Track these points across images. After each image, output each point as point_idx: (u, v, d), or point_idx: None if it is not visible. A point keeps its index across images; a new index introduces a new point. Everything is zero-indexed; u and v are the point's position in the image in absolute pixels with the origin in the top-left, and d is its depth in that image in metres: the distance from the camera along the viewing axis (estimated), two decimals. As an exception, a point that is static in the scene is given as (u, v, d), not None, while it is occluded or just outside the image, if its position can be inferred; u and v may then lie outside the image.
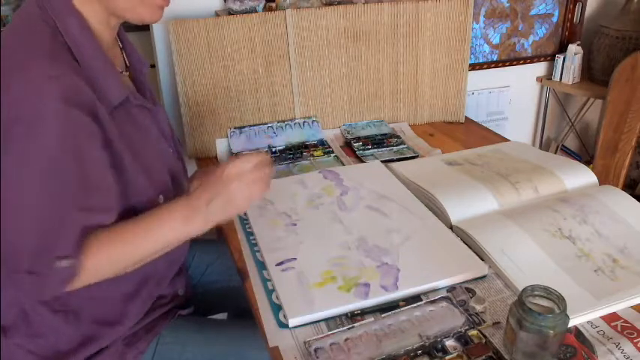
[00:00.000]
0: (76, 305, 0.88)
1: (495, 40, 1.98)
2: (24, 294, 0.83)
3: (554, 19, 2.03)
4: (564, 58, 2.02)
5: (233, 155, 1.41)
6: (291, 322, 0.83)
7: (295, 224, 1.08)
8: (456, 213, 1.07)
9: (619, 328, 0.82)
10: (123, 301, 0.92)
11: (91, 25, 0.83)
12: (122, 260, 0.81)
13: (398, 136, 1.51)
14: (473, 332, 0.81)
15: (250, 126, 1.49)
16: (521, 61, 2.06)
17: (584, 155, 2.27)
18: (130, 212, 0.85)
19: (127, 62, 0.97)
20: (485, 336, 0.80)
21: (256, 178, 0.86)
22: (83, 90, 0.76)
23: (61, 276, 0.76)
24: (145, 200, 0.87)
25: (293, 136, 1.49)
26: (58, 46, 0.78)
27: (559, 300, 0.73)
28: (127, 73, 0.96)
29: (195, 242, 0.98)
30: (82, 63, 0.80)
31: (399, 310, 0.86)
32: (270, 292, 0.91)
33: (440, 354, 0.77)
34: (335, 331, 0.82)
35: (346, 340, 0.80)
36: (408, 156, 1.40)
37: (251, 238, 1.06)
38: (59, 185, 0.75)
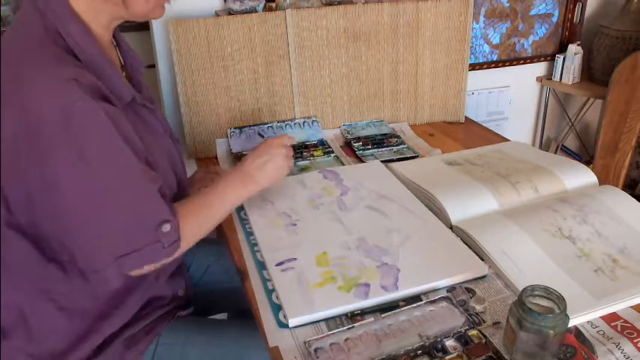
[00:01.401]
0: (79, 304, 0.88)
1: (495, 40, 1.98)
2: (112, 286, 0.83)
3: (554, 19, 2.04)
4: (564, 58, 2.02)
5: (233, 154, 1.41)
6: (291, 322, 0.83)
7: (295, 224, 1.08)
8: (456, 213, 1.07)
9: (619, 328, 0.82)
10: (119, 293, 0.91)
11: (91, 29, 0.84)
12: (206, 223, 0.92)
13: (398, 136, 1.51)
14: (473, 332, 0.81)
15: (250, 126, 1.49)
16: (521, 61, 2.06)
17: (584, 155, 2.28)
18: None
19: (122, 61, 0.98)
20: (485, 336, 0.80)
21: (291, 153, 1.05)
22: (99, 86, 0.79)
23: (167, 239, 0.82)
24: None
25: (293, 136, 1.49)
26: (62, 52, 0.79)
27: (559, 300, 0.73)
28: (124, 73, 0.96)
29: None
30: (88, 66, 0.80)
31: (399, 310, 0.86)
32: (270, 292, 0.91)
33: (440, 354, 0.77)
34: (335, 331, 0.82)
35: (346, 340, 0.80)
36: (408, 156, 1.40)
37: (251, 238, 1.06)
38: (127, 169, 0.79)
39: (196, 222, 0.90)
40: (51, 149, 0.73)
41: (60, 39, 0.80)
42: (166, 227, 0.82)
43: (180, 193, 1.00)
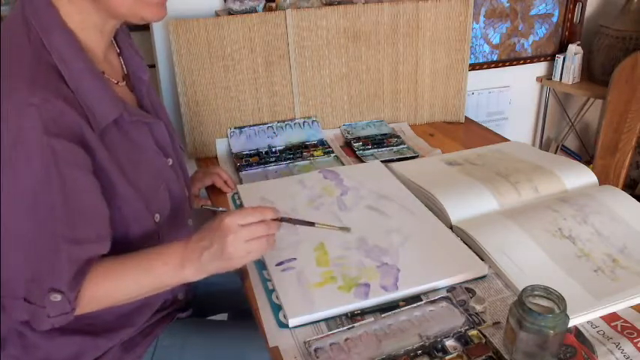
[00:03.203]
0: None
1: (495, 40, 1.98)
2: (18, 319, 0.79)
3: (554, 19, 2.03)
4: (564, 58, 2.02)
5: (233, 154, 1.41)
6: (291, 322, 0.83)
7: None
8: (456, 213, 1.07)
9: (619, 328, 0.82)
10: (120, 313, 0.90)
11: (80, 39, 0.79)
12: (117, 296, 0.81)
13: (398, 136, 1.51)
14: (473, 332, 0.81)
15: (250, 126, 1.49)
16: (521, 61, 2.06)
17: (584, 155, 2.27)
18: (124, 236, 0.84)
19: (126, 70, 0.93)
20: (485, 336, 0.80)
21: (258, 234, 0.80)
22: (67, 115, 0.72)
23: (55, 310, 0.74)
24: (138, 221, 0.85)
25: (293, 136, 1.49)
26: (41, 68, 0.74)
27: (559, 300, 0.73)
28: (124, 82, 0.91)
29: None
30: (70, 82, 0.75)
31: (399, 310, 0.86)
32: (270, 292, 0.91)
33: (440, 354, 0.77)
34: (335, 331, 0.82)
35: (346, 340, 0.80)
36: (408, 156, 1.40)
37: (251, 238, 1.06)
38: (45, 218, 0.72)
39: (103, 292, 0.79)
40: None
41: (44, 51, 0.75)
42: (56, 297, 0.73)
43: (178, 208, 0.96)
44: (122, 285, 0.80)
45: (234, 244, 0.78)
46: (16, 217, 0.72)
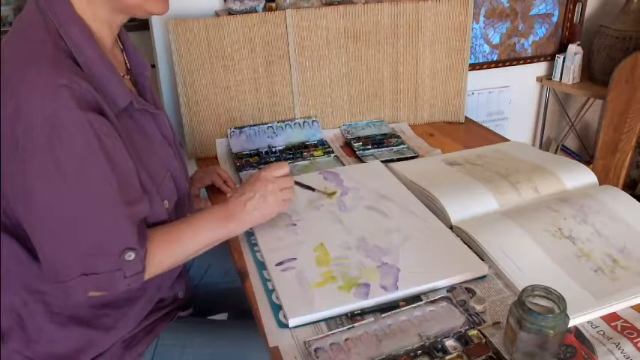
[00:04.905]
0: (74, 311, 0.88)
1: (495, 40, 1.98)
2: (79, 297, 0.81)
3: (554, 19, 2.04)
4: (564, 58, 2.02)
5: (233, 154, 1.41)
6: (291, 322, 0.83)
7: (295, 224, 1.08)
8: (456, 213, 1.07)
9: (619, 328, 0.82)
10: (121, 306, 0.91)
11: (93, 30, 0.83)
12: (176, 256, 0.88)
13: (398, 136, 1.51)
14: (473, 332, 0.81)
15: (250, 126, 1.49)
16: (521, 61, 2.06)
17: (584, 155, 2.27)
18: None
19: (128, 65, 0.96)
20: (485, 336, 0.80)
21: (289, 184, 0.97)
22: (92, 93, 0.77)
23: (130, 269, 0.79)
24: (152, 205, 0.87)
25: (293, 136, 1.49)
26: (60, 54, 0.78)
27: (559, 300, 0.73)
28: (128, 76, 0.95)
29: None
30: (85, 69, 0.79)
31: (399, 310, 0.86)
32: (270, 292, 0.91)
33: (440, 354, 0.77)
34: (335, 331, 0.82)
35: (346, 340, 0.80)
36: (408, 156, 1.40)
37: (251, 238, 1.06)
38: (101, 187, 0.76)
39: (165, 255, 0.86)
40: (34, 156, 0.73)
41: (60, 41, 0.79)
42: (130, 255, 0.79)
43: (181, 200, 0.99)
44: (176, 246, 0.88)
45: (274, 193, 0.94)
46: (70, 195, 0.75)
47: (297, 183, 1.02)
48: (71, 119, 0.73)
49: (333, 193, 1.17)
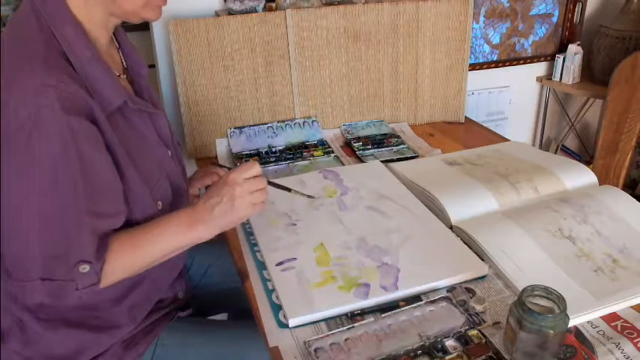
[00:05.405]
0: (63, 314, 0.87)
1: (495, 40, 1.98)
2: (33, 302, 0.81)
3: (554, 19, 2.03)
4: (564, 58, 2.02)
5: (233, 154, 1.41)
6: (291, 322, 0.83)
7: (295, 224, 1.08)
8: (456, 213, 1.07)
9: (619, 328, 0.82)
10: (118, 307, 0.90)
11: (87, 30, 0.82)
12: (134, 265, 0.84)
13: (398, 136, 1.51)
14: (473, 332, 0.81)
15: (250, 126, 1.49)
16: (521, 61, 2.06)
17: (584, 155, 2.28)
18: (128, 219, 0.85)
19: (125, 64, 0.96)
20: (485, 336, 0.80)
21: (260, 186, 0.88)
22: (80, 96, 0.76)
23: (83, 281, 0.77)
24: (142, 206, 0.87)
25: (293, 136, 1.49)
26: (53, 53, 0.77)
27: (559, 300, 0.73)
28: (125, 75, 0.94)
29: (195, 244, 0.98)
30: (78, 69, 0.79)
31: (399, 310, 0.86)
32: (270, 292, 0.91)
33: (440, 354, 0.77)
34: (335, 331, 0.82)
35: (346, 340, 0.80)
36: (408, 156, 1.40)
37: (251, 238, 1.06)
38: (67, 192, 0.75)
39: (126, 262, 0.82)
40: (11, 152, 0.72)
41: (53, 40, 0.78)
42: (85, 268, 0.76)
43: (177, 199, 0.98)
44: (139, 252, 0.83)
45: (242, 196, 0.86)
46: (38, 195, 0.74)
47: (270, 183, 0.96)
48: (52, 120, 0.72)
49: (311, 197, 1.11)
